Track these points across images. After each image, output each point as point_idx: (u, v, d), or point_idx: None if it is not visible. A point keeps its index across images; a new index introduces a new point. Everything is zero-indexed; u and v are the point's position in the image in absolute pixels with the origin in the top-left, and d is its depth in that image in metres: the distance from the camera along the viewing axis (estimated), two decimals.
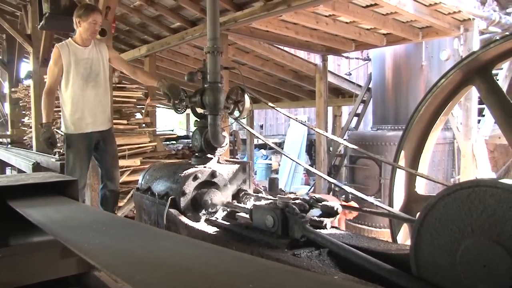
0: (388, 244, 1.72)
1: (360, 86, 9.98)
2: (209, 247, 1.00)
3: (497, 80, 6.43)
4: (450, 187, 1.21)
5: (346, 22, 6.02)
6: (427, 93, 2.64)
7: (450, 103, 2.67)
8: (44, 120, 3.56)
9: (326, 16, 5.73)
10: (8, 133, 10.34)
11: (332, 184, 6.38)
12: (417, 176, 2.80)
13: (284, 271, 0.82)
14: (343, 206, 2.18)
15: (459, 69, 2.40)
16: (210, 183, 2.37)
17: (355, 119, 9.66)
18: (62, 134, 3.80)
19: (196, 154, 2.71)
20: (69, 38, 3.72)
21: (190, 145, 6.53)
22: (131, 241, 1.05)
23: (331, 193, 7.45)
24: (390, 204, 2.88)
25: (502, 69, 6.31)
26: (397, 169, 2.85)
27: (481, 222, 1.11)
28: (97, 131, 3.74)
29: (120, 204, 5.05)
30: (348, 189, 3.04)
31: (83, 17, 3.54)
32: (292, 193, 8.60)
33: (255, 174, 13.53)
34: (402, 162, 2.85)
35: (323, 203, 1.99)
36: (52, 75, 3.57)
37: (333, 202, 1.99)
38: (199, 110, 2.74)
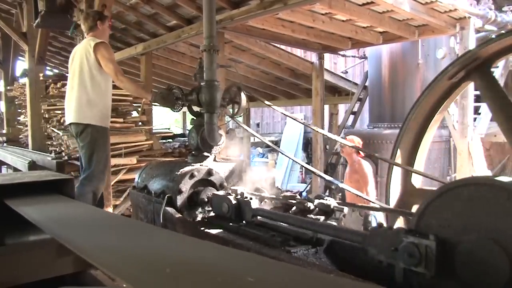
0: None
1: (356, 84, 9.99)
2: (208, 244, 1.00)
3: None
4: (447, 185, 1.21)
5: (343, 20, 6.02)
6: (425, 90, 2.65)
7: (448, 100, 2.67)
8: (149, 97, 3.42)
9: (322, 14, 5.73)
10: (4, 131, 10.31)
11: (329, 182, 6.39)
12: (413, 174, 2.80)
13: (291, 269, 0.82)
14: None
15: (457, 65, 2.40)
16: (206, 181, 2.36)
17: (352, 117, 9.68)
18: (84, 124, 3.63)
19: (193, 152, 2.71)
20: (94, 37, 3.70)
21: (187, 143, 6.52)
22: (129, 238, 1.05)
23: (327, 191, 7.47)
24: (387, 202, 2.88)
25: (498, 67, 6.34)
26: (394, 167, 2.85)
27: (478, 220, 1.11)
28: None
29: (117, 202, 5.05)
30: (345, 187, 3.05)
31: (104, 20, 3.78)
32: (288, 191, 8.61)
33: None
34: (398, 159, 2.86)
35: (319, 201, 1.99)
36: (116, 64, 3.65)
37: (329, 200, 1.99)
38: (196, 108, 2.73)
